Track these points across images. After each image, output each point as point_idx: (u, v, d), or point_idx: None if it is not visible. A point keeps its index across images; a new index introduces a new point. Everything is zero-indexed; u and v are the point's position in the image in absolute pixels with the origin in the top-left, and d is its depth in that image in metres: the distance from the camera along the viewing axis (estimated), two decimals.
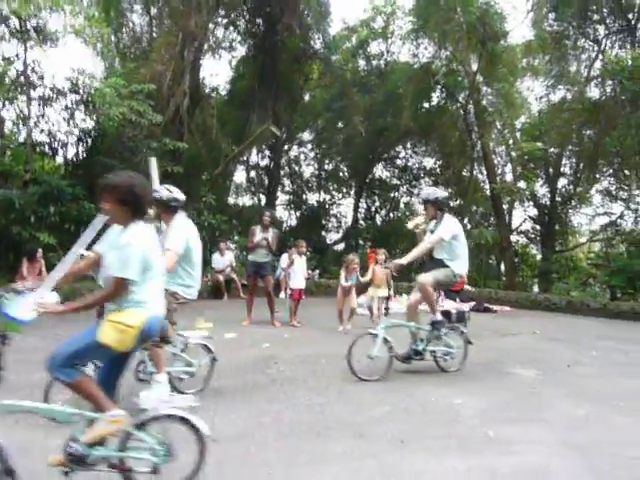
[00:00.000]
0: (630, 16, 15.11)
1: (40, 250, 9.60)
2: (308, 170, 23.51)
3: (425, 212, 5.84)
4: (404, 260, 5.59)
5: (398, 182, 23.05)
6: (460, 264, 5.66)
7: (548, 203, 19.60)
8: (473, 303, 11.59)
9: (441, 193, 5.89)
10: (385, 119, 16.86)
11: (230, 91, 18.11)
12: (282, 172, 22.18)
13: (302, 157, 23.34)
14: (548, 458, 3.43)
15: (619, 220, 17.87)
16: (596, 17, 15.77)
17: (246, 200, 22.68)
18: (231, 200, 20.72)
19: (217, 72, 26.89)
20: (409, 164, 22.54)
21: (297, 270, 8.68)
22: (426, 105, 17.57)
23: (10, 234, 10.20)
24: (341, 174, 23.21)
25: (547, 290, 17.29)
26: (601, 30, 15.88)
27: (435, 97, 17.69)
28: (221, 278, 12.09)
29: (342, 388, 4.99)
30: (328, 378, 5.34)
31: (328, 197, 23.52)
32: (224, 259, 12.43)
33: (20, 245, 10.21)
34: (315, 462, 3.30)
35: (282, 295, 12.74)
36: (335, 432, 3.82)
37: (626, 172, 16.84)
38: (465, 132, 17.02)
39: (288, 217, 22.89)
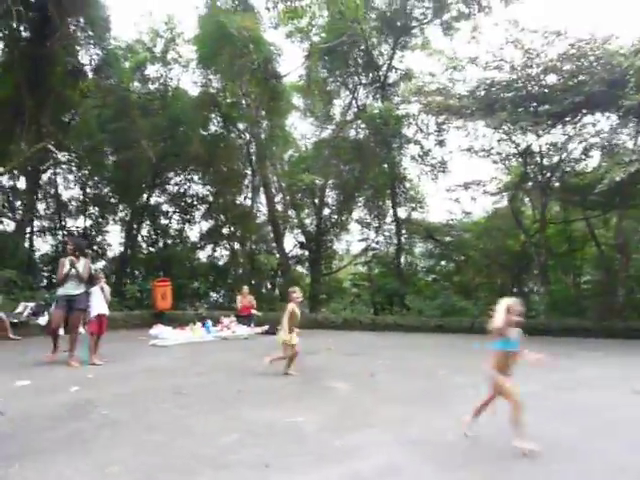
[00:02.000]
0: (381, 73, 17.91)
1: None
2: (67, 194, 21.29)
3: None
4: None
5: (171, 209, 22.54)
6: None
7: (315, 230, 21.53)
8: (267, 327, 12.04)
9: None
10: (165, 144, 16.49)
11: None
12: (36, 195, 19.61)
13: (60, 180, 21.02)
14: (393, 456, 3.92)
15: (373, 245, 20.65)
16: (353, 69, 18.22)
17: None
18: None
19: None
20: (182, 191, 22.26)
21: (93, 300, 7.93)
22: (204, 133, 17.74)
23: None
24: (107, 199, 21.63)
25: (317, 310, 18.91)
26: (359, 80, 18.41)
27: (216, 126, 18.02)
28: None
29: (180, 422, 4.83)
30: (161, 413, 5.10)
31: (91, 223, 21.68)
32: None
33: None
34: None
35: (61, 332, 11.46)
36: (196, 467, 3.71)
37: (380, 203, 19.63)
38: (245, 162, 17.77)
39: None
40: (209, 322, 11.69)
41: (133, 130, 15.43)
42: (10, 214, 19.65)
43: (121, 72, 15.04)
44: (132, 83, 15.74)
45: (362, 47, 17.20)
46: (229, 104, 15.97)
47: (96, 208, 21.35)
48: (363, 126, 18.66)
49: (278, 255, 18.70)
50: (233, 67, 13.32)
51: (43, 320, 11.49)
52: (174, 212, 22.30)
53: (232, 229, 21.77)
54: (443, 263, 20.95)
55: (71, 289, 7.84)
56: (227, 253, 22.56)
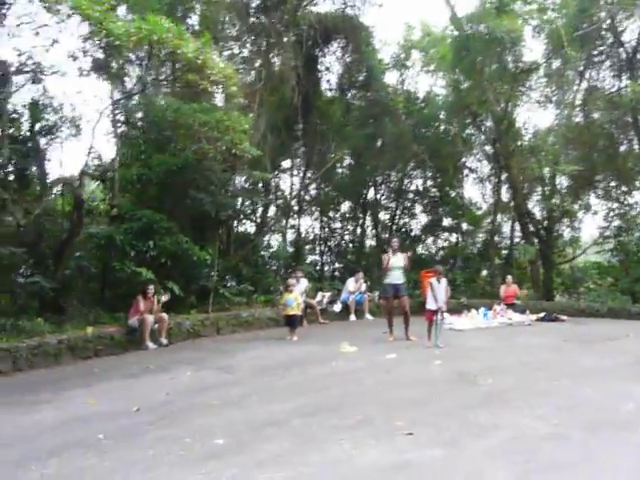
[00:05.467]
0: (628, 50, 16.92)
1: (152, 287, 9.85)
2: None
3: None
4: None
5: (392, 205, 23.50)
6: None
7: (544, 218, 21.09)
8: (543, 314, 12.56)
9: None
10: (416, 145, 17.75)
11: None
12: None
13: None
14: None
15: (616, 232, 19.60)
16: (596, 50, 17.46)
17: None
18: None
19: None
20: (402, 187, 23.18)
21: (436, 294, 8.97)
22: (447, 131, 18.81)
23: (112, 270, 10.37)
24: (332, 198, 23.28)
25: (550, 299, 18.68)
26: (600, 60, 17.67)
27: (457, 125, 18.89)
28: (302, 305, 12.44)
29: (564, 391, 5.54)
30: (540, 383, 5.90)
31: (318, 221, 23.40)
32: (300, 286, 12.66)
33: (122, 281, 10.41)
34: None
35: (352, 317, 13.38)
36: (627, 426, 4.32)
37: (625, 188, 18.63)
38: (484, 155, 18.44)
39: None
40: (483, 309, 12.54)
41: (380, 135, 17.06)
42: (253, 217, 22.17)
43: (376, 82, 16.65)
44: (384, 91, 17.19)
45: (606, 26, 16.52)
46: (477, 103, 16.62)
47: (318, 208, 23.09)
48: (600, 108, 17.92)
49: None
50: (490, 68, 13.98)
51: (337, 307, 13.55)
52: (398, 208, 23.40)
53: (454, 221, 22.45)
54: None
55: (395, 279, 9.53)
56: (446, 244, 23.27)
